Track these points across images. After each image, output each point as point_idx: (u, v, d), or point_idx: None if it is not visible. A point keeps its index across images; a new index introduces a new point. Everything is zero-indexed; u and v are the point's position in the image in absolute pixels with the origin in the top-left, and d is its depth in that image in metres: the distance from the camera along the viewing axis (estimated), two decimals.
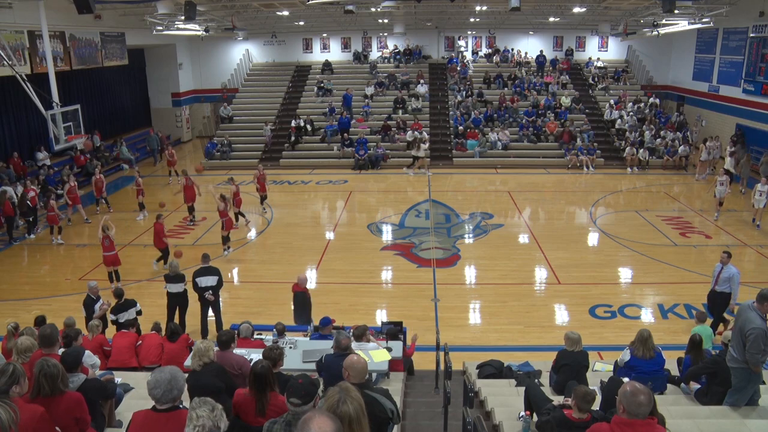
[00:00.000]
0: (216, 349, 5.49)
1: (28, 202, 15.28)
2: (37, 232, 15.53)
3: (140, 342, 7.72)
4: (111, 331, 8.72)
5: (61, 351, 5.30)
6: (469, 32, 28.88)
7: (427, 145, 22.27)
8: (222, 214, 13.40)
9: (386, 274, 12.74)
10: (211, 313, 9.83)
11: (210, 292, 9.50)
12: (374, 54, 29.17)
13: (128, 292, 9.48)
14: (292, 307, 9.63)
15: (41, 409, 3.82)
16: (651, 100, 25.32)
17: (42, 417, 3.79)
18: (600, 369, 7.38)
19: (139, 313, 8.87)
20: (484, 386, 7.18)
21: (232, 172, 22.15)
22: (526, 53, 28.18)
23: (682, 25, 21.45)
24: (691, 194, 18.90)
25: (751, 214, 15.52)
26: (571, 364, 6.37)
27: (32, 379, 4.19)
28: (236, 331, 7.32)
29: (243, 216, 15.71)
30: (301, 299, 9.51)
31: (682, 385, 6.62)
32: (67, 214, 16.25)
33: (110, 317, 8.84)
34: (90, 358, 6.12)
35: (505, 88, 26.22)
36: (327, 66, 28.18)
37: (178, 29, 21.07)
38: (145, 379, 4.47)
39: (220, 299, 9.92)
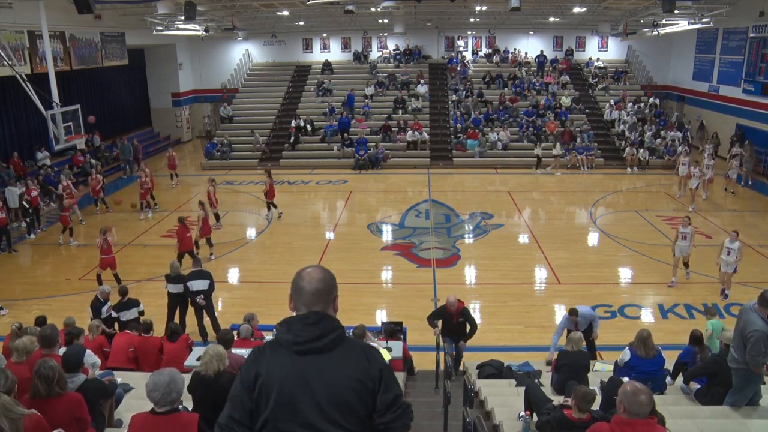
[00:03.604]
0: None
1: (24, 203, 15.24)
2: (37, 232, 15.52)
3: (133, 348, 7.66)
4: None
5: (62, 351, 5.30)
6: (469, 32, 28.86)
7: (558, 148, 22.07)
8: (203, 220, 13.15)
9: (386, 274, 12.74)
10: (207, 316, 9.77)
11: (201, 296, 9.41)
12: (374, 54, 29.17)
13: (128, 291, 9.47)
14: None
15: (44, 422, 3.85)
16: (651, 100, 25.31)
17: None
18: (600, 369, 7.39)
19: (141, 313, 8.93)
20: (484, 386, 7.19)
21: (232, 172, 22.18)
22: (526, 53, 28.18)
23: (682, 25, 21.44)
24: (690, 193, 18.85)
25: (723, 277, 11.25)
26: (570, 364, 6.38)
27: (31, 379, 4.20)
28: (236, 332, 7.32)
29: (217, 218, 15.61)
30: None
31: (682, 385, 6.63)
32: (76, 211, 16.18)
33: (113, 314, 8.91)
34: (90, 358, 6.12)
35: (505, 88, 26.22)
36: (327, 66, 28.18)
37: (178, 29, 21.06)
38: (144, 379, 4.46)
39: (212, 302, 9.82)
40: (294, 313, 2.33)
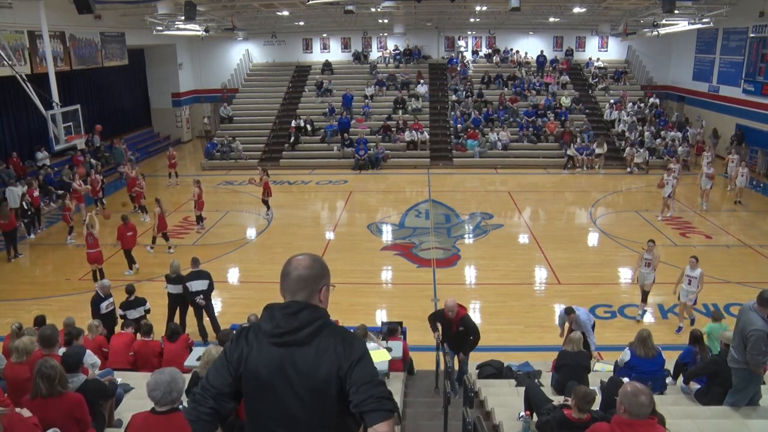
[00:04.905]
0: None
1: (24, 203, 15.22)
2: (37, 232, 15.51)
3: (133, 353, 7.63)
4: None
5: (61, 351, 5.30)
6: (469, 32, 28.86)
7: (605, 147, 22.06)
8: (158, 216, 13.62)
9: (386, 274, 12.74)
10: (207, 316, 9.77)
11: (201, 296, 9.43)
12: (374, 54, 29.16)
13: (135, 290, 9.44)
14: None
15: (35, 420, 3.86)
16: (651, 100, 25.32)
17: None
18: (600, 369, 7.39)
19: (147, 311, 8.97)
20: (484, 386, 7.18)
21: (232, 172, 22.17)
22: (526, 53, 28.17)
23: (682, 25, 21.44)
24: (692, 194, 18.86)
25: (683, 309, 10.10)
26: (571, 364, 6.38)
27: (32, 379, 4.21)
28: (236, 332, 7.31)
29: (201, 220, 15.65)
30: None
31: (682, 385, 6.63)
32: (81, 210, 16.16)
33: (119, 312, 8.93)
34: (90, 358, 6.12)
35: (505, 88, 26.22)
36: (327, 66, 28.18)
37: (178, 29, 21.06)
38: (145, 379, 4.47)
39: (212, 302, 9.83)
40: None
